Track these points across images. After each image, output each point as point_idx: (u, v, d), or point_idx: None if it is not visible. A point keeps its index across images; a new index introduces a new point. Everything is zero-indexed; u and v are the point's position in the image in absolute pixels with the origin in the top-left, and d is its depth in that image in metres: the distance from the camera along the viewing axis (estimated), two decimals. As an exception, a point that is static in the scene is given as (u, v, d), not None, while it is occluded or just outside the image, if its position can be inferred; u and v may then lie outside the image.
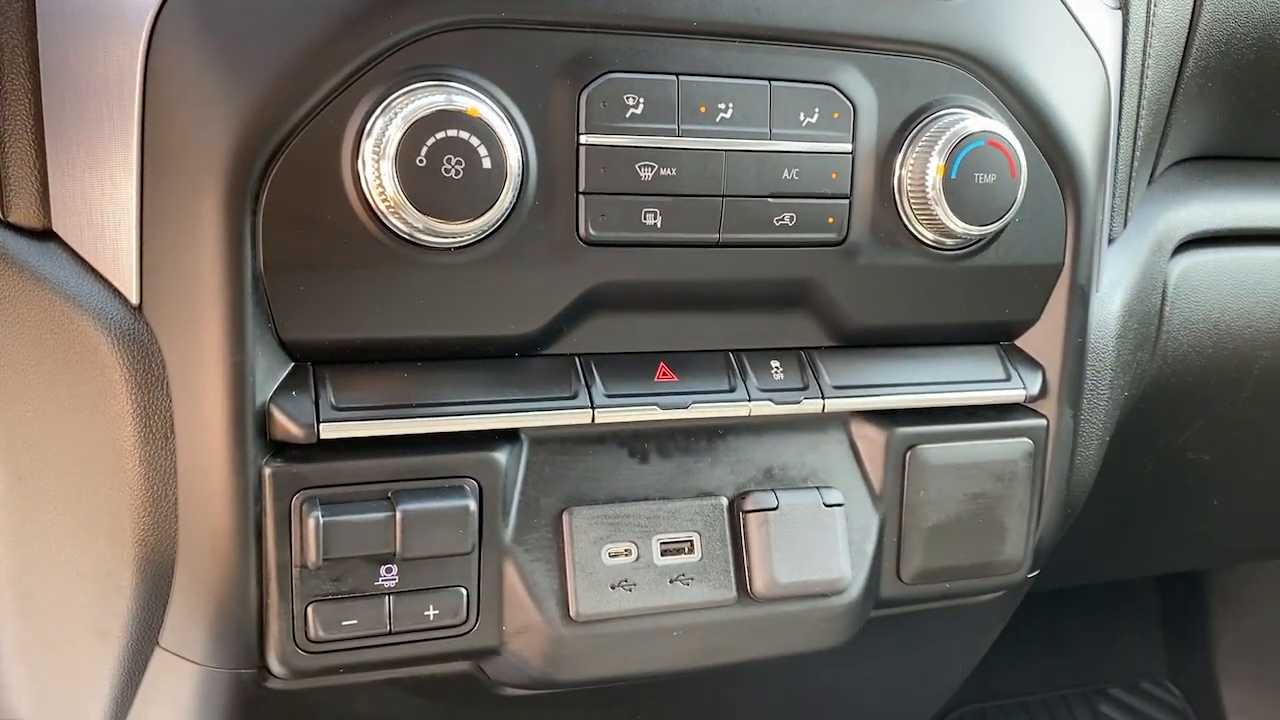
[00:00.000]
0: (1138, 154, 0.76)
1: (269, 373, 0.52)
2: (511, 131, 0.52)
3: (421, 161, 0.50)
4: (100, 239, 0.53)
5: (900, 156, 0.60)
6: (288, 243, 0.51)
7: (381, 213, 0.51)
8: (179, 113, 0.50)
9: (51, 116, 0.53)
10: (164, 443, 0.53)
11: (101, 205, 0.52)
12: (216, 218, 0.50)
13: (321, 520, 0.52)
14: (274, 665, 0.55)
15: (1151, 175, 0.81)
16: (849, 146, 0.59)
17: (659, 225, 0.56)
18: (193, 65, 0.50)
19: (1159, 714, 1.61)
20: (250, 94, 0.49)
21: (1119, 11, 0.70)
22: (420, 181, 0.50)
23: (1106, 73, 0.67)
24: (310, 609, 0.54)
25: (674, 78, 0.56)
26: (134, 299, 0.52)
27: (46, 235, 0.54)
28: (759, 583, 0.60)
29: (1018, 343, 0.68)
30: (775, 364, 0.62)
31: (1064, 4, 0.65)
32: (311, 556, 0.52)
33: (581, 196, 0.55)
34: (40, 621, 0.64)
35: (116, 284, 0.53)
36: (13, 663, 0.69)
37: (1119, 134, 0.72)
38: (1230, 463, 0.98)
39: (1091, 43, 0.67)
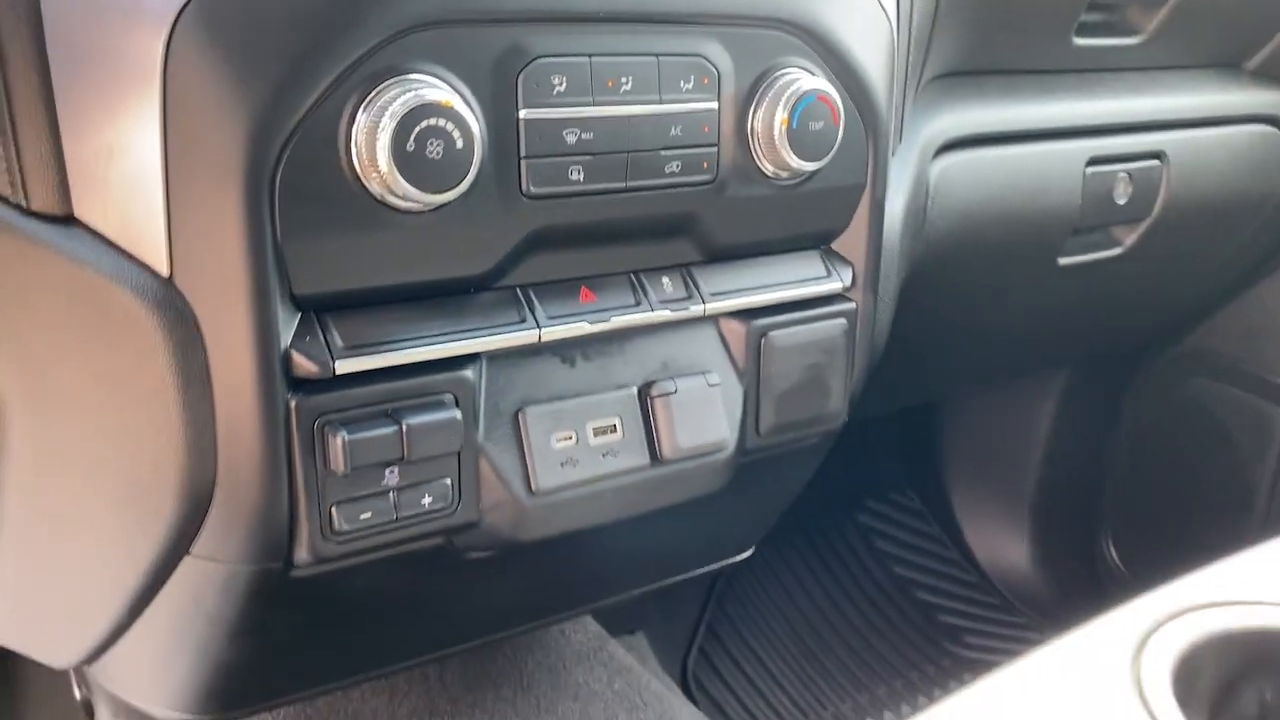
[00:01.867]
0: (908, 81, 0.96)
1: (286, 323, 0.64)
2: (473, 114, 0.64)
3: (411, 146, 0.62)
4: (126, 222, 0.61)
5: (752, 110, 0.76)
6: (298, 216, 0.62)
7: (374, 188, 0.63)
8: (197, 116, 0.59)
9: (65, 111, 0.61)
10: (203, 390, 0.63)
11: (125, 192, 0.61)
12: (240, 200, 0.60)
13: (347, 438, 0.65)
14: (302, 557, 0.68)
15: (916, 93, 1.01)
16: (716, 105, 0.75)
17: (582, 179, 0.71)
18: (208, 73, 0.59)
19: (903, 516, 1.96)
20: (263, 97, 0.59)
21: None
22: (410, 162, 0.62)
23: (890, 22, 0.86)
24: (334, 508, 0.67)
25: (587, 59, 0.69)
26: (165, 272, 0.62)
27: (68, 220, 0.62)
28: (666, 449, 0.78)
29: (834, 246, 0.88)
30: (665, 280, 0.79)
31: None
32: (340, 467, 0.65)
33: (522, 160, 0.68)
34: (49, 552, 0.73)
35: (146, 260, 0.62)
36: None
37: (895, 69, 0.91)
38: (967, 319, 1.24)
39: (880, 3, 0.85)
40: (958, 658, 1.77)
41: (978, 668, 1.73)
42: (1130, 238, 1.26)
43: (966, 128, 1.07)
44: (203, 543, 0.69)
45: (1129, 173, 1.21)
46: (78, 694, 1.12)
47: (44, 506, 0.74)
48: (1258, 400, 1.60)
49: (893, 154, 0.94)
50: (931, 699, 1.68)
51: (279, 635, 0.78)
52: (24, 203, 0.61)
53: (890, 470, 1.97)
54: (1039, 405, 1.76)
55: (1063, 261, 1.23)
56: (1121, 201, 1.21)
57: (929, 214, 1.03)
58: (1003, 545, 1.87)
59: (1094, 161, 1.18)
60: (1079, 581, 1.83)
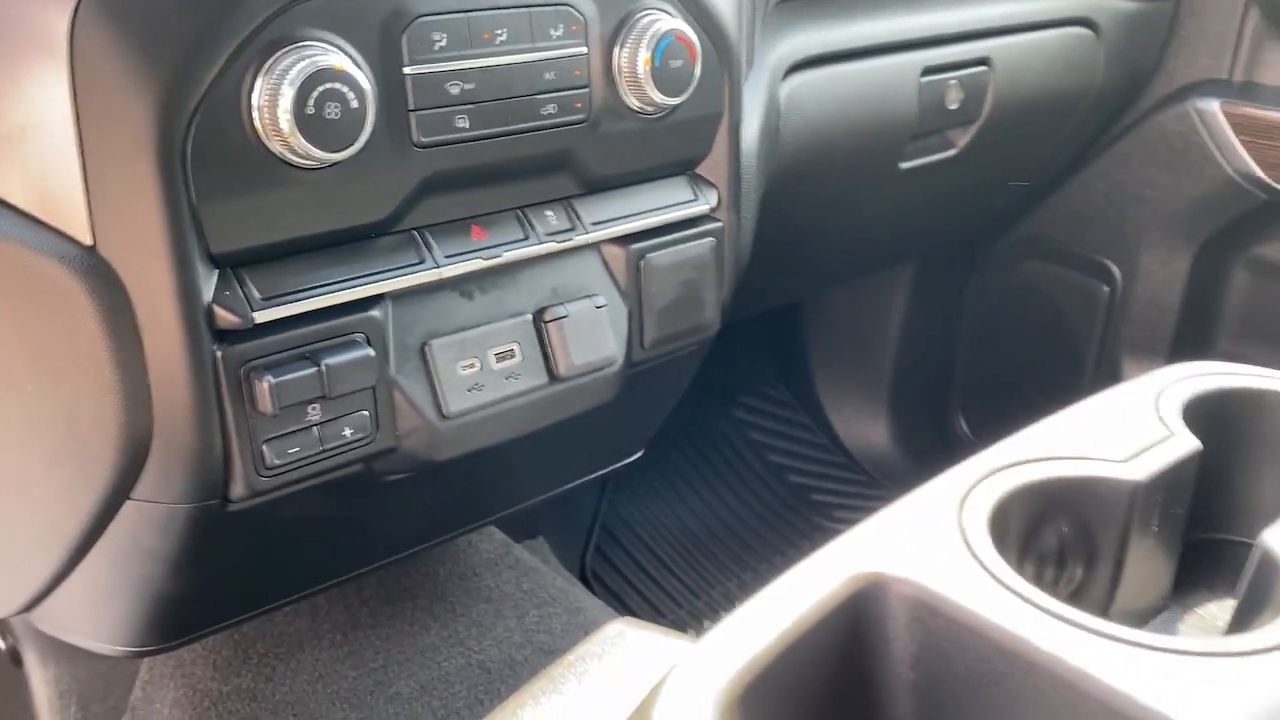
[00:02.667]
0: (755, 9, 1.03)
1: (206, 280, 0.69)
2: (364, 75, 0.69)
3: (310, 110, 0.67)
4: (46, 196, 0.65)
5: (618, 52, 0.83)
6: (210, 180, 0.66)
7: (278, 149, 0.68)
8: (106, 93, 0.63)
9: None
10: (133, 348, 0.68)
11: (42, 169, 0.64)
12: (155, 170, 0.64)
13: (272, 382, 0.71)
14: (238, 492, 0.74)
15: (762, 20, 1.09)
16: (585, 49, 0.81)
17: (467, 126, 0.77)
18: (114, 51, 0.62)
19: (774, 408, 2.09)
20: (168, 72, 0.63)
21: None
22: (310, 124, 0.67)
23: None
24: (265, 446, 0.73)
25: (465, 15, 0.75)
26: (88, 241, 0.66)
27: None
28: (561, 368, 0.86)
29: (699, 171, 0.96)
30: (549, 213, 0.86)
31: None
32: (268, 408, 0.71)
33: (410, 114, 0.74)
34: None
35: (69, 232, 0.66)
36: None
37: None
38: (822, 225, 1.35)
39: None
40: (828, 530, 1.93)
41: (849, 540, 1.89)
42: (963, 139, 1.38)
43: (811, 49, 1.15)
44: (142, 487, 0.74)
45: (959, 79, 1.32)
46: (2, 644, 1.16)
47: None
48: (1083, 278, 1.77)
49: (745, 80, 1.02)
50: (809, 572, 1.84)
51: (215, 566, 0.84)
52: (-62, 184, 0.64)
53: (760, 368, 2.10)
54: (891, 298, 1.90)
55: (904, 166, 1.34)
56: (954, 107, 1.32)
57: (782, 133, 1.12)
58: (865, 427, 2.03)
59: (927, 71, 1.28)
60: (934, 453, 2.00)
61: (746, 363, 2.05)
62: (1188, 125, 1.55)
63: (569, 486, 1.12)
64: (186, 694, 1.11)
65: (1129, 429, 0.59)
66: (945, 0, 1.31)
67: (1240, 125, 1.52)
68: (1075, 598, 0.59)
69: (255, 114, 0.66)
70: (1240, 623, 0.53)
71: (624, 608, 1.64)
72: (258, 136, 0.67)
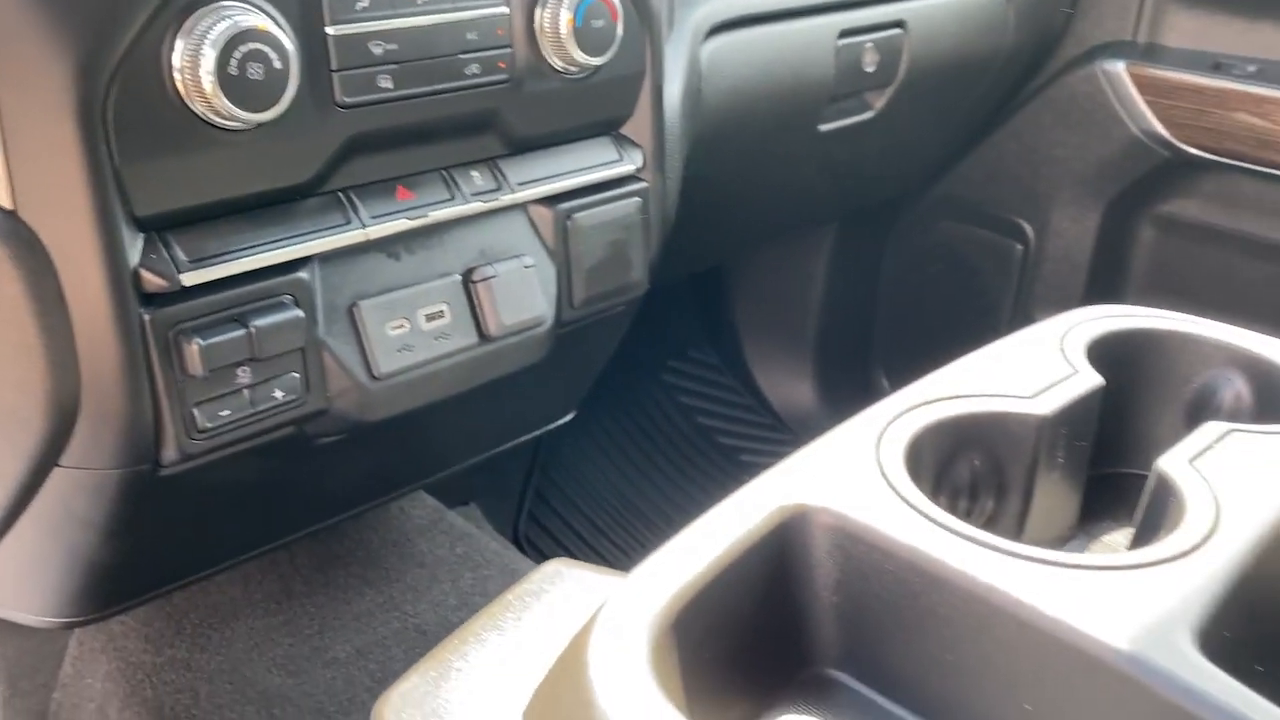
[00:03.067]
0: (674, -29, 1.04)
1: (132, 243, 0.68)
2: (287, 35, 0.69)
3: (233, 70, 0.67)
4: (-40, 161, 0.64)
5: (539, 11, 0.84)
6: (132, 143, 0.66)
7: (200, 110, 0.67)
8: (24, 61, 0.62)
9: None
10: (59, 313, 0.67)
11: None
12: (76, 134, 0.64)
13: (200, 344, 0.71)
14: (169, 456, 0.74)
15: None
16: (506, 9, 0.82)
17: (391, 86, 0.77)
18: (29, 17, 0.62)
19: (701, 371, 2.12)
20: (85, 36, 0.63)
21: None
22: (233, 85, 0.67)
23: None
24: (195, 409, 0.73)
25: (385, -25, 0.75)
26: (8, 205, 0.65)
27: None
28: (491, 327, 0.87)
29: (623, 132, 0.97)
30: (475, 174, 0.86)
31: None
32: (197, 371, 0.71)
33: (333, 74, 0.74)
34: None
35: (-12, 195, 0.65)
36: None
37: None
38: (744, 187, 1.37)
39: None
40: (759, 492, 1.97)
41: (777, 498, 1.93)
42: (880, 102, 1.41)
43: (732, 10, 1.17)
44: (71, 453, 0.74)
45: (874, 42, 1.34)
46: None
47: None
48: (997, 236, 1.82)
49: (667, 41, 1.03)
50: (739, 530, 1.88)
51: (147, 533, 0.84)
52: None
53: (688, 332, 2.12)
54: (814, 259, 1.94)
55: (823, 128, 1.36)
56: (870, 69, 1.35)
57: (704, 94, 1.13)
58: (790, 386, 2.07)
59: (844, 34, 1.31)
60: (857, 410, 2.05)
61: (673, 327, 2.08)
62: (1095, 86, 1.60)
63: (501, 449, 1.14)
64: (119, 667, 1.10)
65: (1036, 368, 0.62)
66: (861, -37, 1.33)
67: (1145, 86, 1.57)
68: (987, 527, 0.62)
69: (177, 75, 0.66)
70: (1139, 544, 0.57)
71: (558, 570, 1.66)
72: (180, 98, 0.67)
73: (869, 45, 1.34)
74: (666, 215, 1.04)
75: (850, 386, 2.04)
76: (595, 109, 0.93)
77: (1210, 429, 0.57)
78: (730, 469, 1.99)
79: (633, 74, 0.93)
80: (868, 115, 1.41)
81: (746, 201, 1.43)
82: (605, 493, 1.86)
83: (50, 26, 0.62)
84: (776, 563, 0.49)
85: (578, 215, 0.92)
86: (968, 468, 0.59)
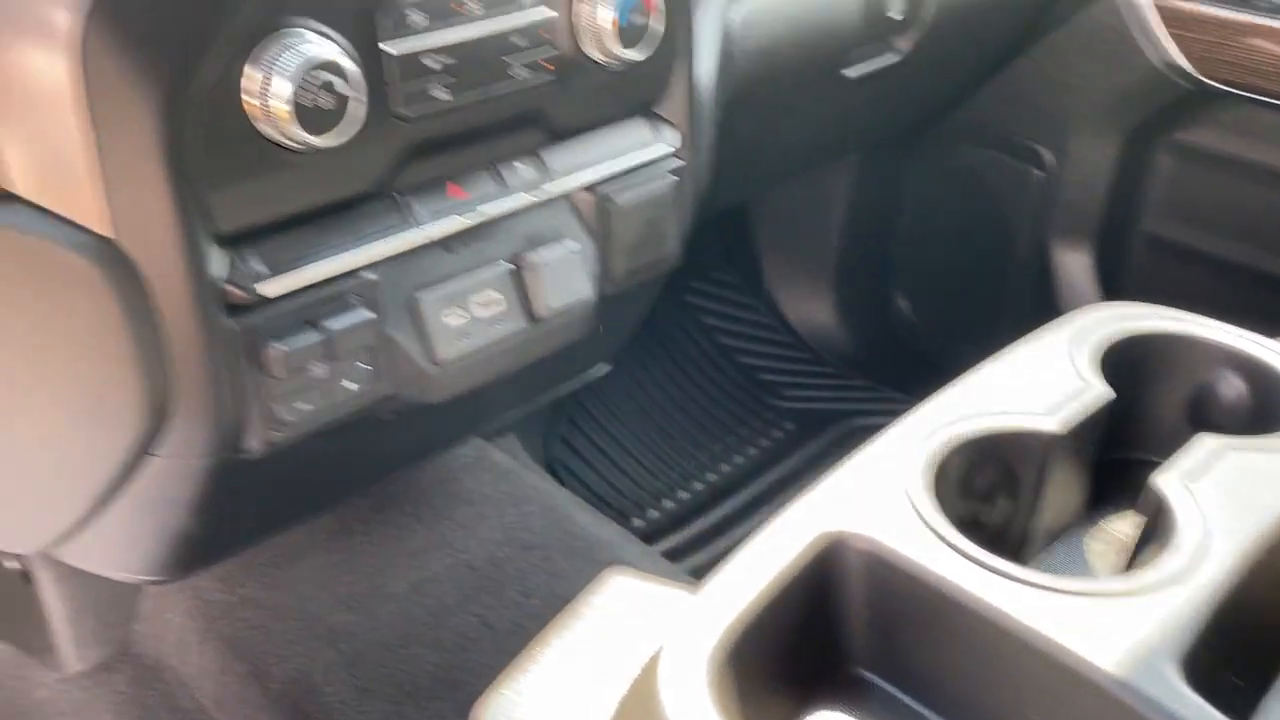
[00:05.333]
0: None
1: (214, 259, 0.74)
2: (351, 61, 0.74)
3: (304, 99, 0.71)
4: (66, 195, 0.69)
5: (583, 9, 0.87)
6: (214, 169, 0.71)
7: (274, 135, 0.72)
8: (116, 102, 0.67)
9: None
10: (151, 326, 0.74)
11: (63, 171, 0.68)
12: (164, 166, 0.69)
13: (283, 349, 0.77)
14: (253, 446, 0.81)
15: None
16: (553, 13, 0.85)
17: (446, 96, 0.81)
18: (120, 64, 0.66)
19: (724, 291, 2.18)
20: (169, 76, 0.67)
21: None
22: (306, 114, 0.72)
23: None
24: (276, 405, 0.80)
25: (437, -11, 0.78)
26: (109, 233, 0.70)
27: (9, 198, 0.69)
28: (541, 310, 0.93)
29: (658, 111, 1.01)
30: (519, 165, 0.91)
31: None
32: (280, 373, 0.77)
33: (391, 89, 0.78)
34: (16, 459, 0.83)
35: (88, 225, 0.70)
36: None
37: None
38: (770, 136, 1.40)
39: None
40: (778, 409, 2.04)
41: (795, 415, 2.01)
42: (906, 44, 1.43)
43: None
44: (164, 445, 0.81)
45: (901, -11, 1.36)
46: (16, 564, 1.23)
47: (10, 425, 0.83)
48: (1016, 162, 1.85)
49: (695, 9, 1.06)
50: (759, 448, 1.96)
51: (230, 507, 0.92)
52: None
53: (711, 252, 2.17)
54: (834, 183, 1.97)
55: (849, 73, 1.39)
56: (897, 16, 1.36)
57: (735, 60, 1.16)
58: (811, 307, 2.12)
59: (871, -18, 1.32)
60: (876, 331, 2.11)
61: (696, 249, 2.12)
62: (1117, 17, 1.61)
63: (544, 398, 1.21)
64: (196, 604, 1.20)
65: (1048, 381, 0.68)
66: (887, -94, 1.34)
67: (1168, 17, 1.58)
68: (1003, 523, 0.69)
69: (252, 103, 0.71)
70: (1139, 555, 0.64)
71: (590, 494, 1.75)
72: (255, 124, 0.72)
73: (896, -9, 1.35)
74: (700, 187, 1.08)
75: (870, 308, 2.09)
76: (632, 95, 0.97)
77: (1207, 444, 0.64)
78: (751, 388, 2.06)
79: (668, 59, 0.97)
80: (894, 59, 1.43)
81: (772, 149, 1.46)
82: (631, 414, 1.94)
83: (142, 63, 0.67)
84: (816, 582, 0.56)
85: (617, 197, 0.97)
86: (985, 476, 0.65)
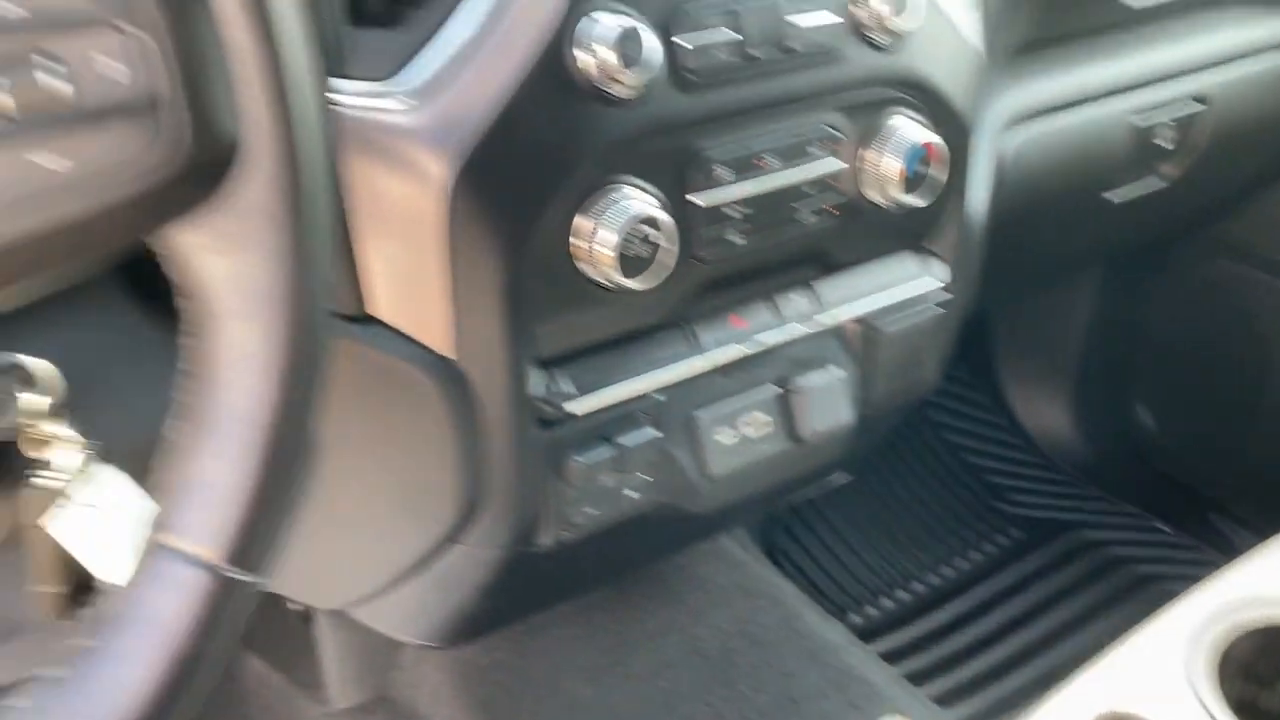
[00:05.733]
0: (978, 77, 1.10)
1: (533, 380, 0.83)
2: (667, 215, 0.82)
3: (627, 250, 0.80)
4: (417, 318, 0.80)
5: (871, 161, 0.93)
6: (544, 305, 0.81)
7: (598, 278, 0.81)
8: (472, 248, 0.77)
9: (360, 236, 0.79)
10: (473, 435, 0.84)
11: (423, 304, 0.79)
12: (504, 301, 0.79)
13: (581, 462, 0.86)
14: (546, 543, 0.90)
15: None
16: (842, 164, 0.92)
17: (739, 241, 0.89)
18: (479, 215, 0.76)
19: (955, 388, 2.16)
20: (518, 226, 0.77)
21: None
22: (628, 263, 0.80)
23: (979, 54, 1.01)
24: (569, 508, 0.88)
25: (744, 148, 0.86)
26: (452, 356, 0.81)
27: (368, 320, 0.81)
28: (805, 433, 0.98)
29: (927, 245, 1.05)
30: (793, 296, 0.97)
31: (950, 22, 0.97)
32: (579, 483, 0.86)
33: (695, 234, 0.86)
34: (337, 532, 0.95)
35: (434, 346, 0.81)
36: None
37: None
38: (1028, 259, 1.41)
39: (964, 37, 1.00)
40: (1005, 514, 2.01)
41: (1023, 522, 1.98)
42: (1174, 172, 1.41)
43: (1030, 104, 1.21)
44: (467, 536, 0.91)
45: (1174, 119, 1.35)
46: (299, 606, 1.37)
47: (334, 505, 0.96)
48: (1275, 279, 1.78)
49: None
50: (983, 553, 1.94)
51: (511, 588, 1.01)
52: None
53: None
54: (1079, 290, 1.95)
55: (1111, 197, 1.39)
56: (1169, 147, 1.36)
57: (1004, 188, 1.19)
58: (1045, 412, 2.09)
59: (1141, 113, 1.32)
60: (1114, 441, 2.05)
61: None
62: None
63: (786, 501, 1.26)
64: (452, 660, 1.31)
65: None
66: (1158, 38, 1.34)
67: None
68: None
69: (580, 248, 0.80)
70: None
71: (809, 583, 1.78)
72: (578, 265, 0.81)
73: (1169, 122, 1.34)
74: (964, 315, 1.12)
75: (1109, 418, 2.04)
76: (905, 232, 1.02)
77: None
78: (978, 490, 2.04)
79: (944, 201, 1.01)
80: (1160, 185, 1.41)
81: (1024, 265, 1.47)
82: (854, 505, 1.96)
83: (496, 224, 0.77)
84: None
85: (885, 328, 1.02)
86: (1271, 662, 0.66)
